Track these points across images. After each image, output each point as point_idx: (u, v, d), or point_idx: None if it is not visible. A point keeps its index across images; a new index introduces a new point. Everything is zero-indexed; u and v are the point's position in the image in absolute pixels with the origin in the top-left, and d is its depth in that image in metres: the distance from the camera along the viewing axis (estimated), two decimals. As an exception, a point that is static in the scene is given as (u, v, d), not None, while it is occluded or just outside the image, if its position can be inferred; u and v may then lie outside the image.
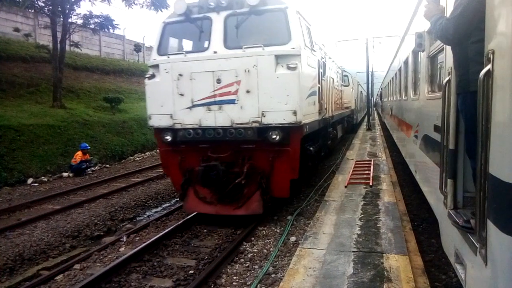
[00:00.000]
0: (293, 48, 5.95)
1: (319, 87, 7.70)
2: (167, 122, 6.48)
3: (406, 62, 7.81)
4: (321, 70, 8.06)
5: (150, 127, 6.82)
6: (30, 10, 20.52)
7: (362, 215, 5.84)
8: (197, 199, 6.59)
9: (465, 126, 2.76)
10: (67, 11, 17.13)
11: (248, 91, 5.90)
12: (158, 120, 6.58)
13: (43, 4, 17.60)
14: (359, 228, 5.26)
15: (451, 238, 3.09)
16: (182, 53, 6.48)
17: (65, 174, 12.39)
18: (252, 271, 4.76)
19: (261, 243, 5.62)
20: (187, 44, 7.22)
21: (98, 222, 7.40)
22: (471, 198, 2.93)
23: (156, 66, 6.59)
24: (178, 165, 6.74)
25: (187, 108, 6.29)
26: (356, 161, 10.92)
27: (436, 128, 3.80)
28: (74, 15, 18.10)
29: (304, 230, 5.64)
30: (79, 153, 12.52)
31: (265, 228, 6.29)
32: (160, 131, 6.71)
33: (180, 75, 6.26)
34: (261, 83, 5.85)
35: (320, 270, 4.02)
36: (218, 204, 6.42)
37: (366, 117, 29.73)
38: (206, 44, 6.40)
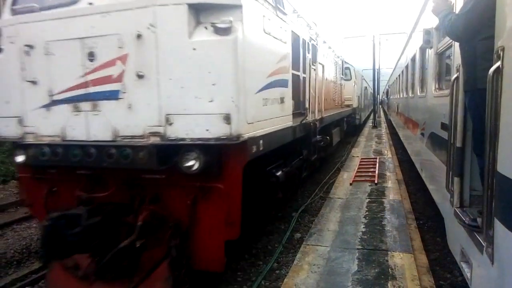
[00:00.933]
0: None
1: (303, 77, 5.88)
2: (15, 130, 3.95)
3: (413, 59, 7.75)
4: (308, 54, 6.20)
5: None
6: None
7: (367, 213, 5.83)
8: (63, 270, 3.70)
9: (472, 124, 2.75)
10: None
11: (140, 76, 3.33)
12: (3, 127, 4.05)
13: None
14: (364, 226, 5.25)
15: (457, 237, 3.08)
16: (34, 8, 3.75)
17: (71, 169, 12.46)
18: (257, 267, 4.77)
19: (266, 239, 5.63)
20: None
21: (104, 217, 7.44)
22: (477, 197, 2.92)
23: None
24: (43, 202, 3.98)
25: (43, 106, 3.78)
26: (362, 158, 10.90)
27: (443, 126, 3.78)
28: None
29: (308, 227, 5.64)
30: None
31: (270, 224, 6.30)
32: (14, 146, 4.11)
33: (30, 46, 3.70)
34: (164, 60, 3.28)
35: (324, 267, 4.03)
36: (96, 281, 3.56)
37: (371, 115, 29.62)
38: None
